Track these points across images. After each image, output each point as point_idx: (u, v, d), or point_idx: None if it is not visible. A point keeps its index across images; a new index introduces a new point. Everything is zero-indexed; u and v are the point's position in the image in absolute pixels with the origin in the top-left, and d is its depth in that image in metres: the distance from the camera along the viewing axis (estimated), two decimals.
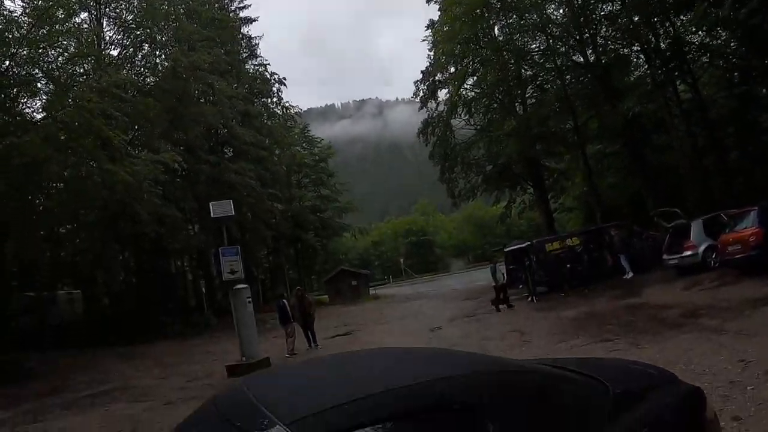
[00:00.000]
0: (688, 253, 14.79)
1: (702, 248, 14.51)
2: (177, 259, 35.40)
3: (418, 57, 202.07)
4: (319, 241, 45.80)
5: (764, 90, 21.96)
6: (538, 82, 28.70)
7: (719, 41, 20.70)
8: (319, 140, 50.45)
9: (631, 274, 17.28)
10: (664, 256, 15.86)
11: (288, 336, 13.91)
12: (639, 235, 18.72)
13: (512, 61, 27.23)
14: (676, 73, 19.70)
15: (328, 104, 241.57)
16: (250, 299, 12.97)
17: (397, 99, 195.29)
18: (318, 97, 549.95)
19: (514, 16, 27.03)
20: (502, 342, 10.89)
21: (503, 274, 17.23)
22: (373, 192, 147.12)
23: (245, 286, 13.19)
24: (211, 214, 13.66)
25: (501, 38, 28.42)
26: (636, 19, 21.29)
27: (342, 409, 1.78)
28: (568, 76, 26.47)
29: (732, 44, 20.36)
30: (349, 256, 66.78)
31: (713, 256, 14.15)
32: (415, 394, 1.92)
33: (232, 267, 12.95)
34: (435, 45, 30.52)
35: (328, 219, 46.77)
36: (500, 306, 16.64)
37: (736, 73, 22.06)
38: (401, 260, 69.97)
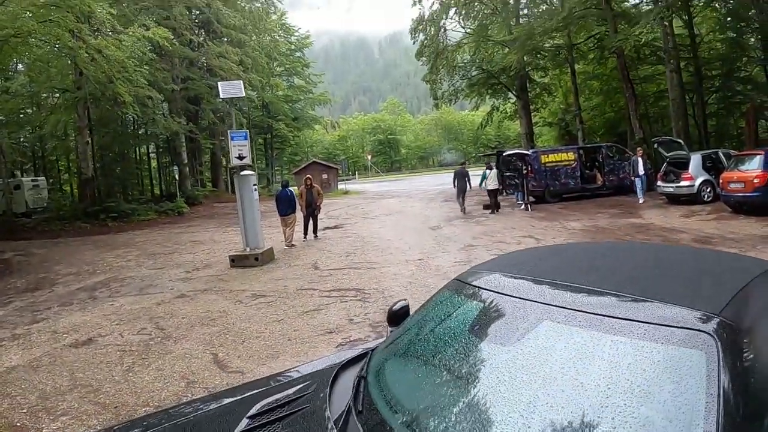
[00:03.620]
0: (686, 183, 15.33)
1: (699, 181, 15.20)
2: (142, 145, 34.42)
3: None
4: (291, 131, 45.45)
5: (752, 40, 22.71)
6: None
7: None
8: (296, 28, 47.95)
9: (643, 199, 16.95)
10: (659, 183, 16.41)
11: (288, 226, 13.67)
12: (628, 159, 19.05)
13: None
14: (679, 3, 19.90)
15: None
16: (256, 187, 12.24)
17: None
18: None
19: None
20: (520, 247, 10.05)
21: (498, 178, 17.68)
22: (335, 83, 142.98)
23: (252, 172, 12.37)
24: (221, 95, 12.50)
25: None
26: None
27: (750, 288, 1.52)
28: None
29: None
30: (315, 149, 66.32)
31: (707, 191, 15.15)
32: None
33: (240, 152, 11.97)
34: None
35: (300, 110, 46.27)
36: (493, 210, 17.44)
37: (729, 18, 22.54)
38: (368, 157, 69.44)
